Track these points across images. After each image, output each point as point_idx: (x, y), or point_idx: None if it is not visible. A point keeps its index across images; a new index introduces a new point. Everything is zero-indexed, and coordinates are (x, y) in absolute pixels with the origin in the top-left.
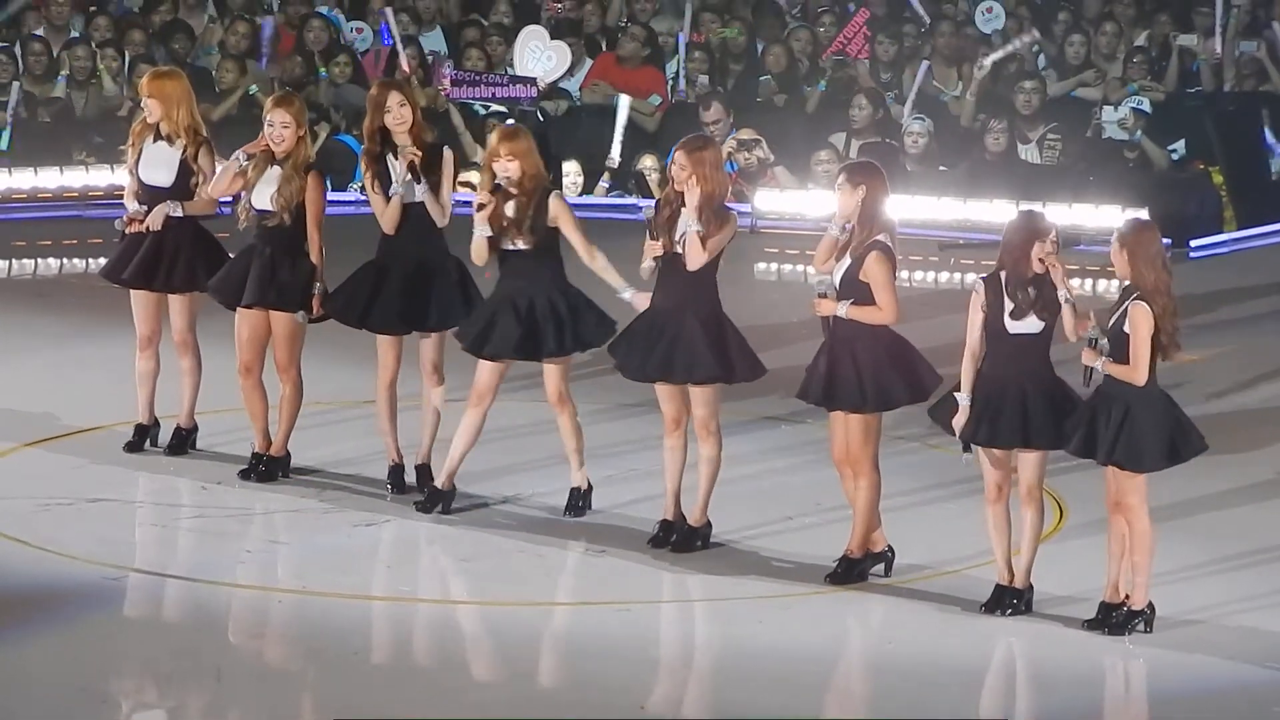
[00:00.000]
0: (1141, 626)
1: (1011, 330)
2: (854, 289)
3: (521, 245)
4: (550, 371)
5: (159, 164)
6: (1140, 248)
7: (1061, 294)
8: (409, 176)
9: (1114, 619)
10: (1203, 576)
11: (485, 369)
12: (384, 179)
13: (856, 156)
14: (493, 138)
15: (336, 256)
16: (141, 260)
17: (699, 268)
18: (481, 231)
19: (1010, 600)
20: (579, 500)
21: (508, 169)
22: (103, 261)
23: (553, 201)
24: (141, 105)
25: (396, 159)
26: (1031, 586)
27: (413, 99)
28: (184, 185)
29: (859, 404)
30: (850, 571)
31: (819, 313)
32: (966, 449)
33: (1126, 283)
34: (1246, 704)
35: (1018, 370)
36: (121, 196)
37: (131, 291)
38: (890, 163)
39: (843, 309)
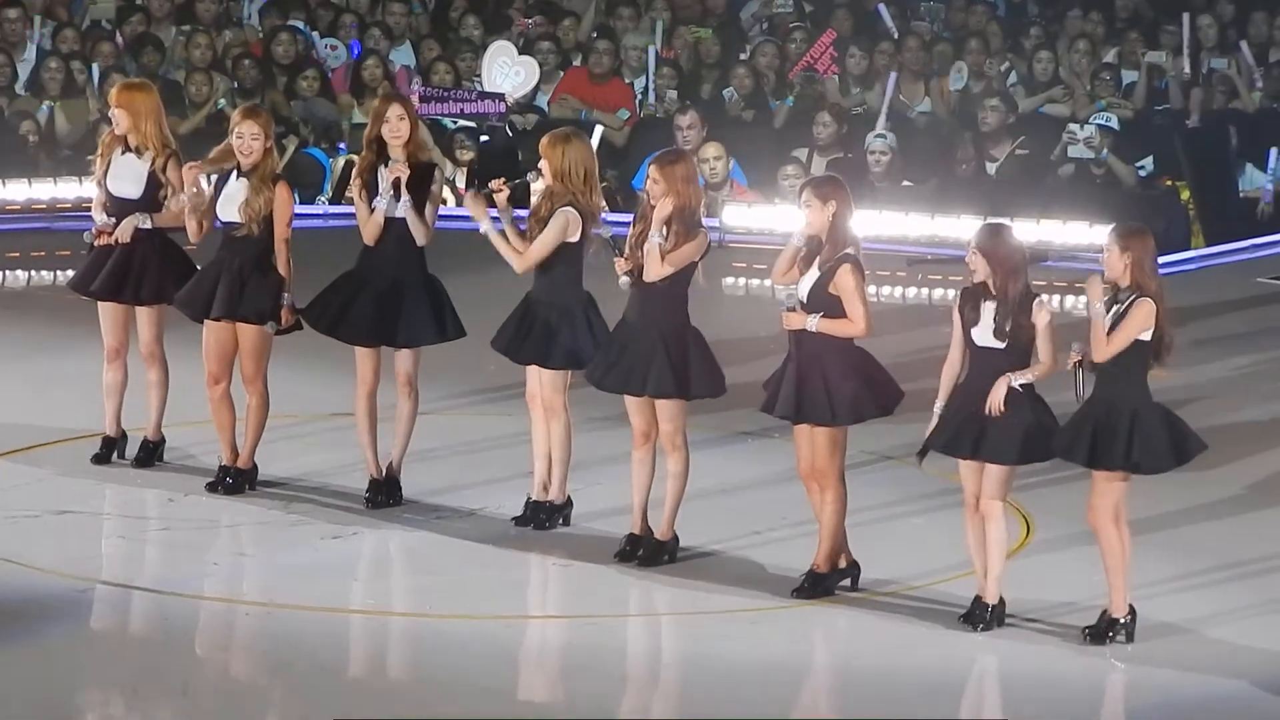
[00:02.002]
0: (1122, 636)
1: (979, 343)
2: (823, 302)
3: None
4: (543, 379)
5: (127, 176)
6: (1143, 252)
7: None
8: (392, 192)
9: (1096, 628)
10: (1177, 591)
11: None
12: (372, 189)
13: (825, 172)
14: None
15: (304, 270)
16: (110, 272)
17: (658, 280)
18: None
19: (981, 614)
20: (556, 515)
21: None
22: (71, 273)
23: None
24: (110, 116)
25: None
26: (1002, 600)
27: (413, 114)
28: (152, 197)
29: (827, 418)
30: (817, 586)
31: (787, 326)
32: (922, 455)
33: (1122, 285)
34: (1219, 717)
35: (985, 384)
36: (89, 209)
37: (99, 304)
38: (857, 179)
39: (812, 322)
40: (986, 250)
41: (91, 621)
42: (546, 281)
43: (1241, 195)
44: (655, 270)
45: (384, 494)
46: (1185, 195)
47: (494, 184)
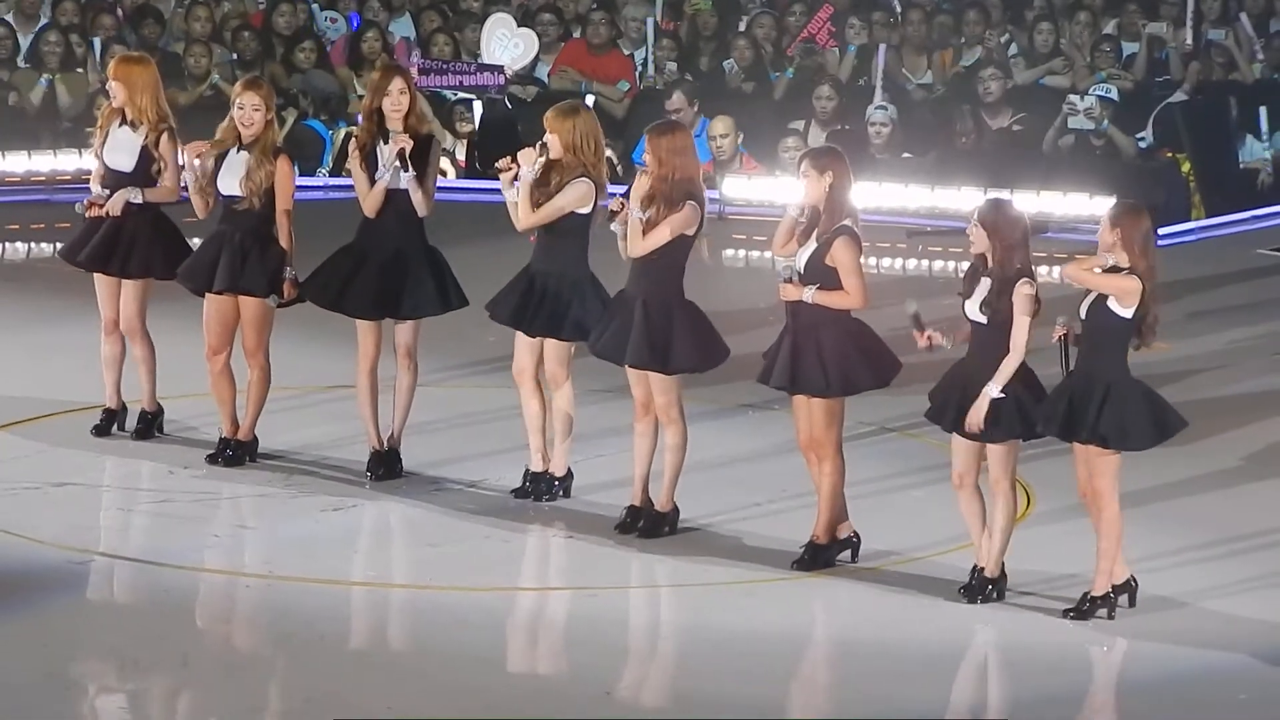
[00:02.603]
0: (1104, 613)
1: (969, 316)
2: (819, 274)
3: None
4: (548, 351)
5: (121, 149)
6: (1134, 230)
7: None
8: (397, 163)
9: (1082, 607)
10: (1173, 565)
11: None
12: (371, 162)
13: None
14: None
15: (304, 242)
16: (98, 243)
17: (643, 254)
18: (509, 194)
19: (980, 587)
20: (557, 487)
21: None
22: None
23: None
24: (108, 89)
25: (386, 144)
26: (1004, 574)
27: (413, 87)
28: (145, 171)
29: (822, 389)
30: (817, 558)
31: (784, 297)
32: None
33: (1110, 261)
34: (1213, 690)
35: (979, 358)
36: (89, 180)
37: (95, 276)
38: (857, 151)
39: (809, 294)
40: (987, 223)
41: (91, 593)
42: (553, 253)
43: (1242, 166)
44: (637, 246)
45: (385, 467)
46: (1185, 167)
47: (500, 163)
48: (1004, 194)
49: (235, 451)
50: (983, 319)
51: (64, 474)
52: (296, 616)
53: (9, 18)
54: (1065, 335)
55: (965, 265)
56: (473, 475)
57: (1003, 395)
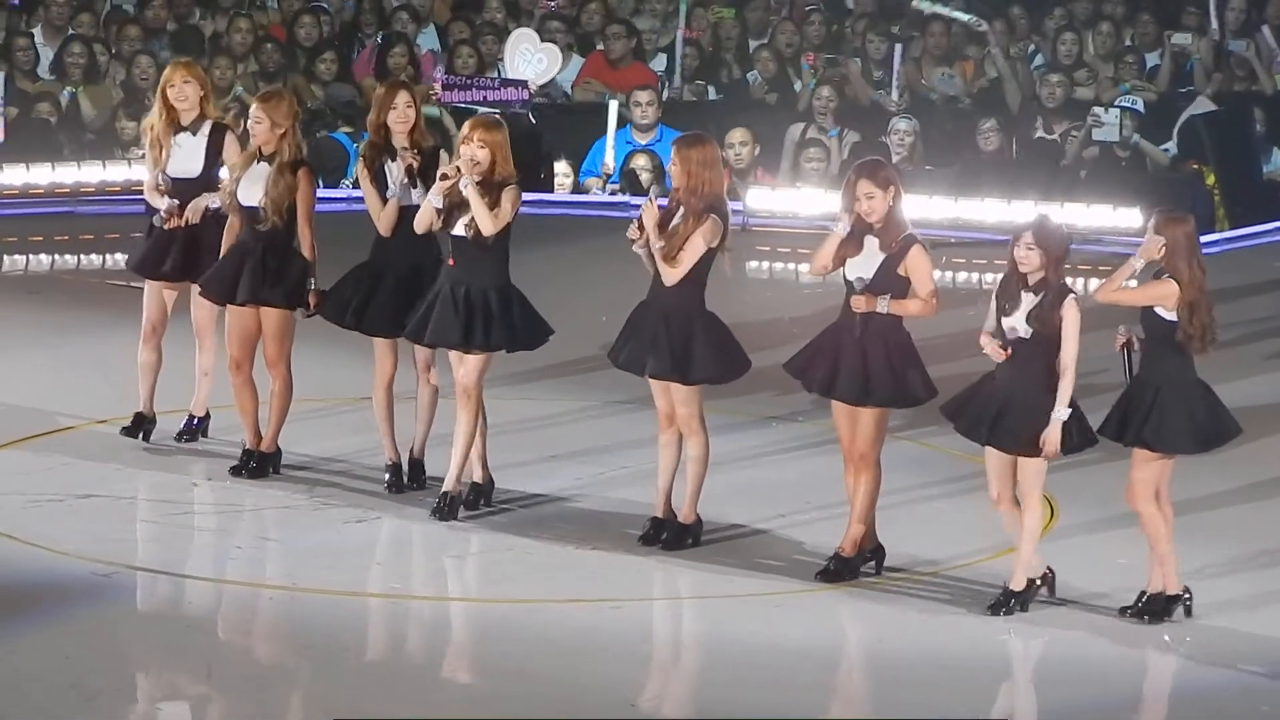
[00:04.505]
0: (1170, 614)
1: (1009, 331)
2: (891, 283)
3: (470, 233)
4: (470, 365)
5: (187, 156)
6: (1173, 236)
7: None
8: (405, 180)
9: (1150, 606)
10: (1196, 577)
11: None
12: (380, 178)
13: (847, 156)
14: (467, 125)
15: (328, 254)
16: (179, 254)
17: (676, 280)
18: (433, 201)
19: (1008, 600)
20: (475, 497)
21: (478, 155)
22: (95, 258)
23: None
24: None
25: (394, 161)
26: (1031, 586)
27: (419, 102)
28: (211, 176)
29: (893, 399)
30: (843, 569)
31: (855, 309)
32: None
33: (1140, 265)
34: (1234, 700)
35: (1019, 372)
36: (116, 193)
37: (146, 283)
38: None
39: (883, 304)
40: (1043, 241)
41: (114, 605)
42: (477, 266)
43: (1266, 178)
44: (670, 273)
45: (409, 478)
46: (1210, 179)
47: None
48: (1027, 205)
49: (259, 463)
50: (1026, 333)
51: (87, 486)
52: (319, 628)
53: (36, 30)
54: (1127, 343)
55: (989, 277)
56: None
57: (1069, 413)
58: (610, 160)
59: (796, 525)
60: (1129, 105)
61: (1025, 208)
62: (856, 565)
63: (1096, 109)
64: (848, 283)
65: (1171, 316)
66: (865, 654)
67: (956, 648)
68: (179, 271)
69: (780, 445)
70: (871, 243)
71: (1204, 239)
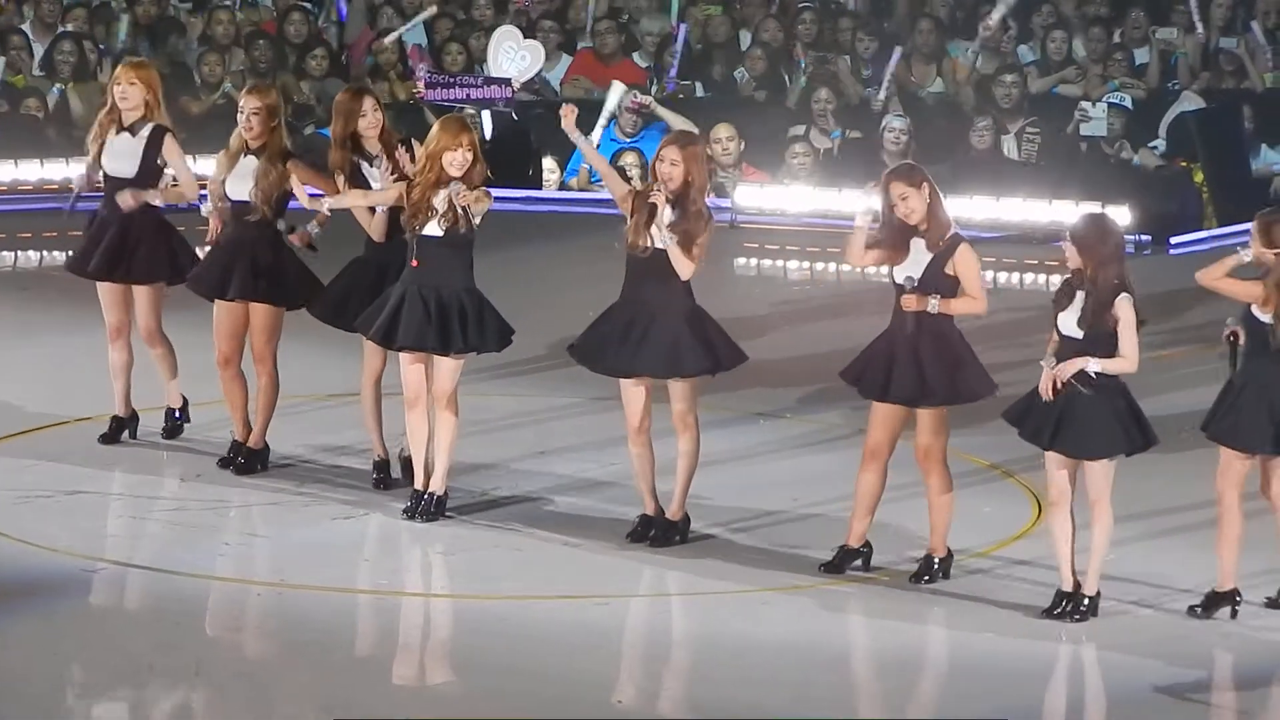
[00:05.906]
0: (1226, 611)
1: (1063, 330)
2: (940, 283)
3: (439, 233)
4: (447, 369)
5: (122, 155)
6: (1268, 238)
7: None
8: (395, 179)
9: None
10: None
11: (409, 367)
12: (357, 183)
13: (837, 154)
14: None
15: (324, 253)
16: (104, 252)
17: (691, 275)
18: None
19: (1064, 605)
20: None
21: (464, 159)
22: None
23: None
24: (115, 93)
25: (371, 165)
26: (1079, 588)
27: (381, 103)
28: (147, 176)
29: (953, 396)
30: (930, 569)
31: (906, 308)
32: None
33: (1243, 260)
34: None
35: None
36: (101, 188)
37: (98, 284)
38: (871, 159)
39: (934, 304)
40: (1078, 239)
41: (103, 601)
42: (447, 267)
43: (1255, 175)
44: (685, 268)
45: (403, 474)
46: (1198, 176)
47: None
48: (1016, 202)
49: (247, 460)
50: (1078, 334)
51: (76, 482)
52: (307, 624)
53: (26, 27)
54: (1233, 335)
55: (989, 275)
56: (483, 484)
57: (1096, 376)
58: (596, 136)
59: (783, 522)
60: (1116, 102)
61: (1013, 204)
62: (949, 564)
63: (1084, 104)
64: (896, 285)
65: (1264, 317)
66: (854, 652)
67: (946, 645)
68: (101, 270)
69: (767, 443)
70: (918, 244)
71: (1193, 236)
